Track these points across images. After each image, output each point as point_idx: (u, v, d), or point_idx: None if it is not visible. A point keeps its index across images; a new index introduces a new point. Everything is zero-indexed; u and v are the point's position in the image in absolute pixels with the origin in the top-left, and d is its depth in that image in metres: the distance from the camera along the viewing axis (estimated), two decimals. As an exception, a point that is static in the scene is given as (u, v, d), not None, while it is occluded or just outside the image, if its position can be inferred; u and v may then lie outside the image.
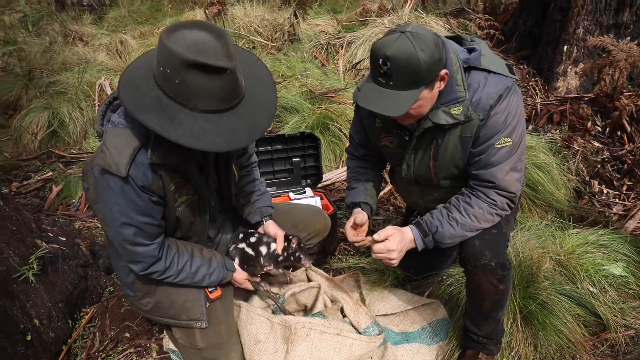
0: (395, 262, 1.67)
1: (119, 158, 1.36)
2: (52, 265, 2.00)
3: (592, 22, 3.76)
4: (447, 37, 1.66)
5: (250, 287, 1.89)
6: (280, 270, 1.92)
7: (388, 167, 2.21)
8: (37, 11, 7.89)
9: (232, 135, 1.33)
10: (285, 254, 1.85)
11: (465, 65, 1.59)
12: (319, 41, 5.30)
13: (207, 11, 5.46)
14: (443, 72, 1.49)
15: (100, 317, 2.10)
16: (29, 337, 1.78)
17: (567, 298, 2.00)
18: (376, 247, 1.67)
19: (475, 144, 1.63)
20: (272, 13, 6.11)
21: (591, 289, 2.12)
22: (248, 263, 1.84)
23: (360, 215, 1.85)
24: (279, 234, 1.86)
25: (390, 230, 1.68)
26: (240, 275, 1.83)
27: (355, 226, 1.85)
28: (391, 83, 1.44)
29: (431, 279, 2.22)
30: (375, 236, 1.67)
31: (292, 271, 2.07)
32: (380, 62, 1.42)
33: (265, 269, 1.87)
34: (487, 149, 1.61)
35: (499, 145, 1.60)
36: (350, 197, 2.00)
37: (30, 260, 1.85)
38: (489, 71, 1.59)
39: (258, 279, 1.91)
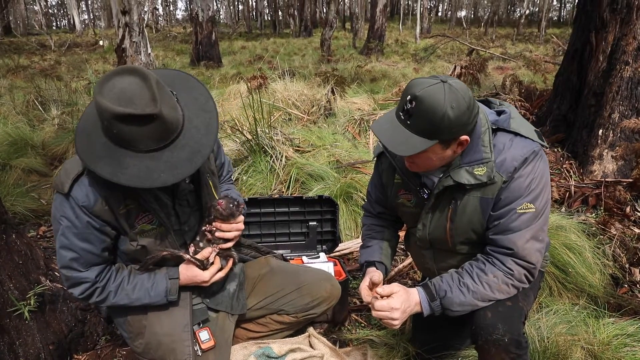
0: (397, 324, 1.53)
1: (65, 178, 1.45)
2: (51, 304, 1.96)
3: (627, 107, 3.69)
4: (477, 100, 1.65)
5: (205, 277, 1.67)
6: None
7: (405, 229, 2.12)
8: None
9: (176, 168, 1.38)
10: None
11: (493, 127, 1.55)
12: (353, 117, 5.47)
13: (248, 84, 5.80)
14: (463, 137, 1.44)
15: (91, 366, 2.01)
16: (11, 377, 1.71)
17: (600, 396, 1.75)
18: (378, 304, 1.54)
19: (495, 206, 1.54)
20: (311, 89, 6.43)
21: (631, 388, 1.84)
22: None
23: (376, 274, 1.74)
24: None
25: (395, 287, 1.56)
26: (190, 272, 1.66)
27: (372, 285, 1.72)
28: (408, 122, 1.41)
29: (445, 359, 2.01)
30: (379, 289, 1.56)
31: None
32: (407, 99, 1.39)
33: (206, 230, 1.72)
34: (507, 213, 1.51)
35: (521, 211, 1.50)
36: (365, 256, 1.90)
37: (29, 296, 1.83)
38: (516, 134, 1.54)
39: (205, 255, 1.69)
